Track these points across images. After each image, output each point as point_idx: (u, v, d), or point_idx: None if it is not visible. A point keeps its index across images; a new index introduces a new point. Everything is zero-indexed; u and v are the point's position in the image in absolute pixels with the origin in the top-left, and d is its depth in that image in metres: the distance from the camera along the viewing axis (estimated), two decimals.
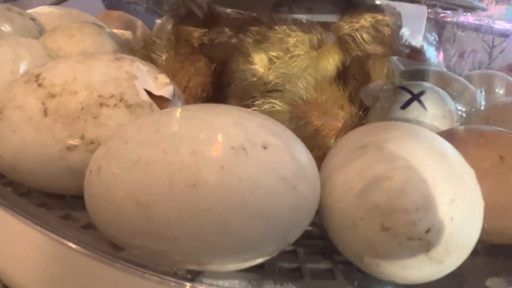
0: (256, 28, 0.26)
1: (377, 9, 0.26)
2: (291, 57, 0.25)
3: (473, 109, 0.31)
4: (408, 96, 0.26)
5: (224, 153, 0.14)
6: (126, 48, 0.29)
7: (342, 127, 0.24)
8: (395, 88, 0.27)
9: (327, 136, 0.24)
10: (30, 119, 0.18)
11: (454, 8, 0.29)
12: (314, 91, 0.25)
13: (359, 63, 0.27)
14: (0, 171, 0.20)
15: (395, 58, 0.28)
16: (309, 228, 0.19)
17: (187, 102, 0.26)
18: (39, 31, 0.31)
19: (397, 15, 0.26)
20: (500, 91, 0.35)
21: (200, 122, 0.15)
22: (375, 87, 0.26)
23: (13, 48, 0.23)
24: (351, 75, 0.27)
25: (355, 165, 0.17)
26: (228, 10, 0.30)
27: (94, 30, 0.29)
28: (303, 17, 0.26)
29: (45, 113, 0.18)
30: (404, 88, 0.27)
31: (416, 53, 0.26)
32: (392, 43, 0.26)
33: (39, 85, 0.19)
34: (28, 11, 0.34)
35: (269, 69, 0.25)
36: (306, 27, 0.25)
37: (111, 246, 0.17)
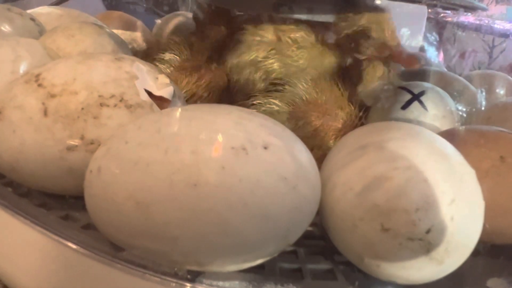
0: (257, 27, 0.26)
1: (376, 10, 0.26)
2: (289, 57, 0.25)
3: (474, 109, 0.31)
4: (408, 96, 0.26)
5: (224, 153, 0.14)
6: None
7: (342, 127, 0.24)
8: (395, 88, 0.27)
9: (326, 136, 0.24)
10: (30, 119, 0.18)
11: (454, 8, 0.29)
12: (314, 91, 0.25)
13: (356, 64, 0.27)
14: (0, 171, 0.20)
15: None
16: (310, 228, 0.19)
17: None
18: (39, 31, 0.31)
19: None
20: (500, 91, 0.35)
21: (200, 122, 0.15)
22: (376, 87, 0.26)
23: (13, 48, 0.23)
24: (349, 76, 0.27)
25: (355, 165, 0.17)
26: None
27: (94, 30, 0.29)
28: (303, 17, 0.26)
29: (45, 113, 0.18)
30: (404, 88, 0.27)
31: (410, 60, 0.26)
32: (387, 47, 0.26)
33: (39, 85, 0.19)
34: (28, 11, 0.34)
35: (270, 69, 0.25)
36: (308, 26, 0.26)
37: (111, 247, 0.17)
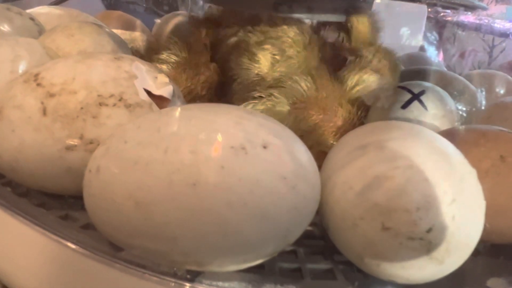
0: (258, 27, 0.26)
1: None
2: (287, 57, 0.25)
3: (474, 109, 0.31)
4: (408, 96, 0.26)
5: (223, 152, 0.14)
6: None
7: (341, 124, 0.24)
8: (395, 88, 0.27)
9: (326, 133, 0.24)
10: (29, 118, 0.18)
11: (454, 7, 0.29)
12: (314, 88, 0.25)
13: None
14: None
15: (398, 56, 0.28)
16: (309, 228, 0.19)
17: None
18: (39, 31, 0.31)
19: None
20: (501, 90, 0.35)
21: (199, 121, 0.15)
22: (376, 87, 0.26)
23: (12, 48, 0.23)
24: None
25: (356, 164, 0.17)
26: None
27: (93, 29, 0.29)
28: (303, 16, 0.26)
29: (44, 112, 0.18)
30: (404, 88, 0.27)
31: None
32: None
33: (38, 84, 0.18)
34: (28, 11, 0.33)
35: (272, 68, 0.25)
36: (300, 27, 0.26)
37: (110, 246, 0.17)
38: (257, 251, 0.15)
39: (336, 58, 0.27)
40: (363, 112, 0.26)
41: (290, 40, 0.25)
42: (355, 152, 0.17)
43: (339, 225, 0.17)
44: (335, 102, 0.25)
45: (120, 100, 0.19)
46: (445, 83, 0.31)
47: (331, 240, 0.18)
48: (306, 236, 0.17)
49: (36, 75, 0.19)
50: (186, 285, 0.16)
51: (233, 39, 0.28)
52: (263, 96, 0.25)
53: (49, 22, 0.34)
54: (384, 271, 0.16)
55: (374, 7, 0.27)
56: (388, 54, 0.28)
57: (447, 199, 0.15)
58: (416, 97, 0.26)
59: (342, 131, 0.24)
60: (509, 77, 0.37)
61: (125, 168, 0.15)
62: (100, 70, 0.19)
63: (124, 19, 0.47)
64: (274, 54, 0.25)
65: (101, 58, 0.20)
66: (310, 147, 0.17)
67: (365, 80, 0.26)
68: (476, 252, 0.16)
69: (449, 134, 0.21)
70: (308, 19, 0.26)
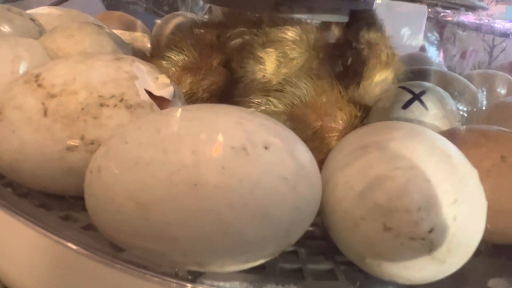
0: (261, 29, 0.26)
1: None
2: (290, 59, 0.25)
3: (474, 109, 0.31)
4: (409, 96, 0.26)
5: (224, 153, 0.14)
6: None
7: (342, 128, 0.24)
8: (395, 87, 0.27)
9: (326, 139, 0.24)
10: (30, 119, 0.18)
11: (454, 7, 0.29)
12: (313, 92, 0.25)
13: (357, 64, 0.27)
14: None
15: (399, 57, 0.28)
16: (311, 228, 0.19)
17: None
18: (39, 32, 0.31)
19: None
20: (501, 90, 0.35)
21: (200, 122, 0.15)
22: (376, 88, 0.26)
23: (13, 48, 0.23)
24: (349, 76, 0.27)
25: (357, 165, 0.17)
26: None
27: (94, 30, 0.29)
28: (303, 16, 0.26)
29: (45, 113, 0.18)
30: (405, 88, 0.27)
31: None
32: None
33: (39, 85, 0.18)
34: (28, 11, 0.33)
35: (277, 69, 0.25)
36: (302, 27, 0.25)
37: (111, 247, 0.17)
38: (258, 252, 0.15)
39: (337, 58, 0.27)
40: (364, 113, 0.26)
41: (292, 42, 0.25)
42: (356, 153, 0.17)
43: (340, 226, 0.17)
44: (335, 107, 0.25)
45: (120, 100, 0.19)
46: (446, 83, 0.31)
47: (332, 241, 0.18)
48: (307, 236, 0.17)
49: (37, 75, 0.19)
50: (187, 286, 0.16)
51: (236, 41, 0.27)
52: (260, 101, 0.24)
53: (50, 22, 0.34)
54: (385, 272, 0.16)
55: (374, 7, 0.27)
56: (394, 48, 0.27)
57: (449, 200, 0.15)
58: (417, 97, 0.26)
59: (343, 135, 0.24)
60: (510, 77, 0.37)
61: (126, 169, 0.15)
62: (101, 71, 0.19)
63: (124, 20, 0.47)
64: (278, 56, 0.25)
65: (101, 59, 0.20)
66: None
67: (386, 77, 0.26)
68: (478, 253, 0.16)
69: (450, 134, 0.21)
70: (308, 19, 0.26)
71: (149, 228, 0.14)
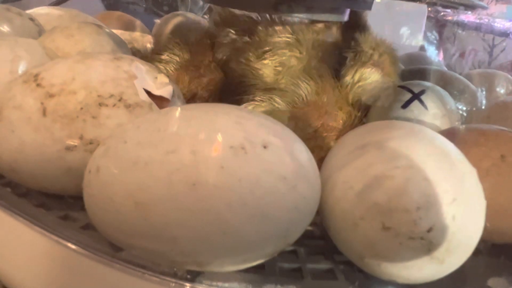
0: (257, 36, 0.26)
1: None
2: (289, 67, 0.25)
3: (474, 108, 0.31)
4: (408, 95, 0.26)
5: (223, 152, 0.14)
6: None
7: (342, 128, 0.24)
8: (394, 87, 0.27)
9: (327, 138, 0.24)
10: (29, 119, 0.18)
11: (454, 6, 0.29)
12: (315, 92, 0.25)
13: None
14: None
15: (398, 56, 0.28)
16: (310, 228, 0.19)
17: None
18: (38, 32, 0.31)
19: None
20: (501, 90, 0.35)
21: (199, 121, 0.15)
22: (378, 85, 0.26)
23: (12, 48, 0.23)
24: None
25: (356, 164, 0.17)
26: (238, 12, 0.30)
27: (93, 30, 0.29)
28: (302, 16, 0.26)
29: (44, 113, 0.18)
30: (404, 87, 0.27)
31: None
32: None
33: (38, 85, 0.18)
34: (27, 11, 0.33)
35: (276, 77, 0.25)
36: (301, 28, 0.25)
37: (110, 247, 0.17)
38: (257, 251, 0.15)
39: (337, 58, 0.27)
40: (363, 112, 0.26)
41: (288, 48, 0.25)
42: (355, 152, 0.17)
43: (339, 225, 0.17)
44: (335, 106, 0.25)
45: (119, 100, 0.19)
46: (445, 82, 0.31)
47: (331, 240, 0.18)
48: (306, 236, 0.17)
49: (36, 75, 0.19)
50: (186, 285, 0.16)
51: (229, 46, 0.27)
52: (262, 99, 0.24)
53: (49, 22, 0.34)
54: (384, 271, 0.16)
55: (373, 6, 0.27)
56: (387, 47, 0.28)
57: (448, 199, 0.15)
58: (416, 96, 0.26)
59: (343, 134, 0.24)
60: (510, 76, 0.37)
61: (125, 168, 0.15)
62: (100, 70, 0.19)
63: (124, 20, 0.47)
64: (276, 66, 0.25)
65: (100, 58, 0.20)
66: (311, 152, 0.17)
67: (367, 77, 0.26)
68: (477, 252, 0.16)
69: (450, 134, 0.21)
70: (307, 18, 0.26)
71: (148, 227, 0.14)
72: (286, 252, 0.19)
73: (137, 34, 0.42)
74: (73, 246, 0.17)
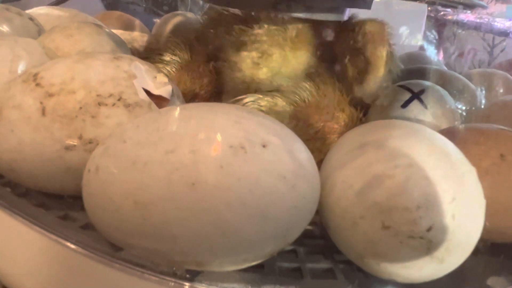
0: (240, 28, 0.25)
1: None
2: (268, 57, 0.25)
3: (473, 108, 0.31)
4: (408, 95, 0.26)
5: (222, 152, 0.14)
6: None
7: (343, 130, 0.24)
8: (394, 86, 0.27)
9: (327, 139, 0.24)
10: (28, 118, 0.18)
11: (453, 5, 0.29)
12: (317, 94, 0.25)
13: (354, 62, 0.27)
14: None
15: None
16: (309, 227, 0.19)
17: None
18: (38, 31, 0.31)
19: None
20: (500, 89, 0.35)
21: (198, 121, 0.15)
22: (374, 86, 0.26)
23: (11, 48, 0.23)
24: (346, 75, 0.27)
25: (356, 163, 0.17)
26: (232, 10, 0.30)
27: (93, 29, 0.29)
28: (301, 15, 0.26)
29: (43, 112, 0.18)
30: (404, 87, 0.27)
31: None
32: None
33: (37, 84, 0.18)
34: (27, 11, 0.33)
35: (256, 73, 0.25)
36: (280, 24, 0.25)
37: (110, 246, 0.17)
38: (257, 251, 0.15)
39: (335, 57, 0.27)
40: (363, 111, 0.26)
41: (266, 40, 0.25)
42: (355, 151, 0.17)
43: (339, 224, 0.17)
44: (337, 108, 0.25)
45: (119, 99, 0.19)
46: (445, 82, 0.31)
47: (331, 239, 0.18)
48: (306, 235, 0.17)
49: (35, 75, 0.19)
50: (185, 285, 0.16)
51: (219, 42, 0.27)
52: (261, 96, 0.24)
53: (48, 22, 0.34)
54: (384, 270, 0.16)
55: (373, 6, 0.27)
56: (374, 24, 0.27)
57: (447, 198, 0.15)
58: (416, 96, 0.26)
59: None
60: (509, 75, 0.37)
61: (124, 168, 0.15)
62: (99, 70, 0.19)
63: (124, 19, 0.47)
64: (254, 58, 0.25)
65: (100, 58, 0.20)
66: (311, 153, 0.17)
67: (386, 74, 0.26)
68: (476, 251, 0.16)
69: (449, 133, 0.21)
70: (306, 18, 0.26)
71: (148, 227, 0.14)
72: (286, 252, 0.19)
73: (136, 34, 0.42)
74: (72, 246, 0.17)
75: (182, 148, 0.14)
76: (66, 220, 0.19)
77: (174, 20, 0.45)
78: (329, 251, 0.19)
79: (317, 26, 0.26)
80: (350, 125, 0.24)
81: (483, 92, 0.33)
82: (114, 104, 0.18)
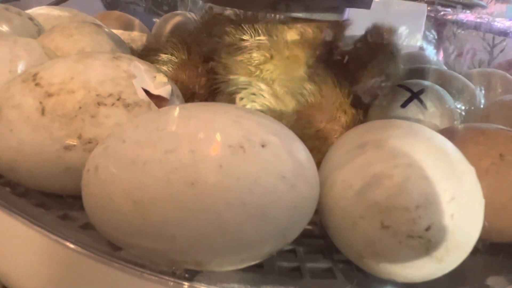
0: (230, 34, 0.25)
1: None
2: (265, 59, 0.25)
3: (473, 107, 0.31)
4: (407, 95, 0.26)
5: (222, 151, 0.14)
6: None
7: (344, 131, 0.24)
8: (393, 86, 0.27)
9: (328, 140, 0.24)
10: (28, 118, 0.18)
11: (453, 5, 0.29)
12: (319, 95, 0.25)
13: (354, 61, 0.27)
14: None
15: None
16: (309, 227, 0.19)
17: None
18: (38, 31, 0.31)
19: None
20: (499, 89, 0.35)
21: (198, 121, 0.15)
22: (373, 85, 0.26)
23: (11, 48, 0.23)
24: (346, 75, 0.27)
25: (355, 163, 0.17)
26: (227, 12, 0.30)
27: (92, 29, 0.29)
28: (300, 15, 0.26)
29: (43, 112, 0.18)
30: (403, 87, 0.27)
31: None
32: None
33: (37, 84, 0.18)
34: (27, 11, 0.33)
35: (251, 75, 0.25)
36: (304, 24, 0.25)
37: (109, 246, 0.17)
38: (256, 250, 0.15)
39: (335, 57, 0.27)
40: (363, 111, 0.26)
41: (285, 41, 0.25)
42: (354, 151, 0.17)
43: (338, 224, 0.17)
44: (339, 109, 0.25)
45: (118, 99, 0.19)
46: (444, 81, 0.31)
47: (330, 239, 0.18)
48: (305, 235, 0.17)
49: (35, 75, 0.19)
50: (184, 285, 0.16)
51: (211, 46, 0.27)
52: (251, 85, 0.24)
53: (48, 22, 0.34)
54: (383, 270, 0.16)
55: (373, 5, 0.27)
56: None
57: (446, 197, 0.15)
58: (416, 95, 0.26)
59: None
60: (508, 75, 0.37)
61: (123, 168, 0.15)
62: (99, 70, 0.19)
63: (123, 19, 0.47)
64: (249, 65, 0.25)
65: (99, 58, 0.20)
66: (311, 152, 0.17)
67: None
68: (475, 251, 0.16)
69: (448, 133, 0.21)
70: (306, 18, 0.26)
71: (147, 226, 0.14)
72: (285, 251, 0.19)
73: (136, 34, 0.42)
74: (72, 246, 0.17)
75: (181, 148, 0.14)
76: (66, 219, 0.19)
77: (174, 20, 0.45)
78: (329, 251, 0.19)
79: (316, 26, 0.26)
80: (352, 126, 0.24)
81: (483, 91, 0.33)
82: (113, 104, 0.18)
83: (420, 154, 0.16)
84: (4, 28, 0.29)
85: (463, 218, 0.16)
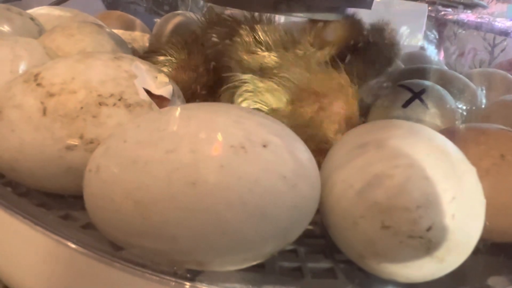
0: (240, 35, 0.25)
1: None
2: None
3: (474, 107, 0.31)
4: (409, 95, 0.26)
5: (223, 152, 0.14)
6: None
7: (341, 119, 0.24)
8: (395, 86, 0.27)
9: (323, 126, 0.24)
10: (29, 118, 0.18)
11: (454, 5, 0.29)
12: (307, 78, 0.24)
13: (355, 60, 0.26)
14: None
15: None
16: (310, 227, 0.19)
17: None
18: (39, 31, 0.31)
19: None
20: (500, 89, 0.35)
21: (199, 121, 0.15)
22: (374, 85, 0.26)
23: (12, 48, 0.23)
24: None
25: (356, 163, 0.17)
26: (227, 12, 0.30)
27: (93, 29, 0.29)
28: (302, 15, 0.26)
29: (44, 112, 0.18)
30: (405, 87, 0.27)
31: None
32: None
33: (38, 84, 0.18)
34: (28, 11, 0.34)
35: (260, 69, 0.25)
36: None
37: (110, 246, 0.17)
38: (257, 250, 0.15)
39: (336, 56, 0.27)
40: (363, 111, 0.26)
41: (265, 47, 0.25)
42: (355, 151, 0.17)
43: (339, 224, 0.17)
44: (334, 95, 0.24)
45: (120, 99, 0.19)
46: (446, 81, 0.31)
47: (331, 239, 0.18)
48: (306, 235, 0.17)
49: (36, 75, 0.19)
50: (186, 285, 0.16)
51: (215, 47, 0.27)
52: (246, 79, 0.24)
53: (49, 22, 0.34)
54: (384, 270, 0.16)
55: (373, 5, 0.27)
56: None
57: (447, 197, 0.15)
58: (417, 95, 0.26)
59: (340, 127, 0.23)
60: (509, 75, 0.37)
61: (125, 168, 0.15)
62: (100, 70, 0.19)
63: (124, 19, 0.47)
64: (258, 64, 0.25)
65: (100, 58, 0.20)
66: (305, 140, 0.17)
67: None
68: (476, 251, 0.16)
69: (449, 133, 0.21)
70: (307, 18, 0.26)
71: (148, 226, 0.14)
72: (286, 251, 0.19)
73: (137, 34, 0.42)
74: (73, 246, 0.17)
75: (182, 148, 0.14)
76: (67, 219, 0.19)
77: (175, 20, 0.45)
78: (330, 251, 0.19)
79: (317, 25, 0.26)
80: (350, 116, 0.24)
81: (484, 91, 0.33)
82: (115, 104, 0.18)
83: (421, 154, 0.16)
84: (5, 28, 0.29)
85: (464, 218, 0.16)
